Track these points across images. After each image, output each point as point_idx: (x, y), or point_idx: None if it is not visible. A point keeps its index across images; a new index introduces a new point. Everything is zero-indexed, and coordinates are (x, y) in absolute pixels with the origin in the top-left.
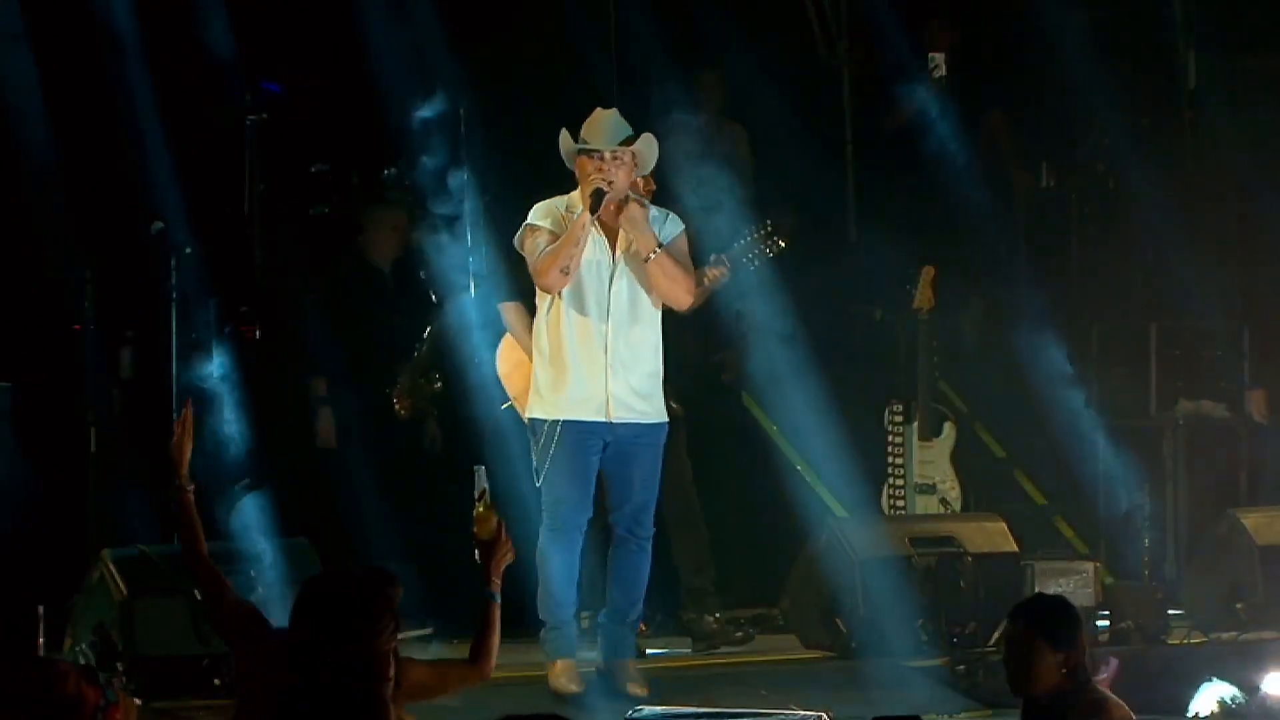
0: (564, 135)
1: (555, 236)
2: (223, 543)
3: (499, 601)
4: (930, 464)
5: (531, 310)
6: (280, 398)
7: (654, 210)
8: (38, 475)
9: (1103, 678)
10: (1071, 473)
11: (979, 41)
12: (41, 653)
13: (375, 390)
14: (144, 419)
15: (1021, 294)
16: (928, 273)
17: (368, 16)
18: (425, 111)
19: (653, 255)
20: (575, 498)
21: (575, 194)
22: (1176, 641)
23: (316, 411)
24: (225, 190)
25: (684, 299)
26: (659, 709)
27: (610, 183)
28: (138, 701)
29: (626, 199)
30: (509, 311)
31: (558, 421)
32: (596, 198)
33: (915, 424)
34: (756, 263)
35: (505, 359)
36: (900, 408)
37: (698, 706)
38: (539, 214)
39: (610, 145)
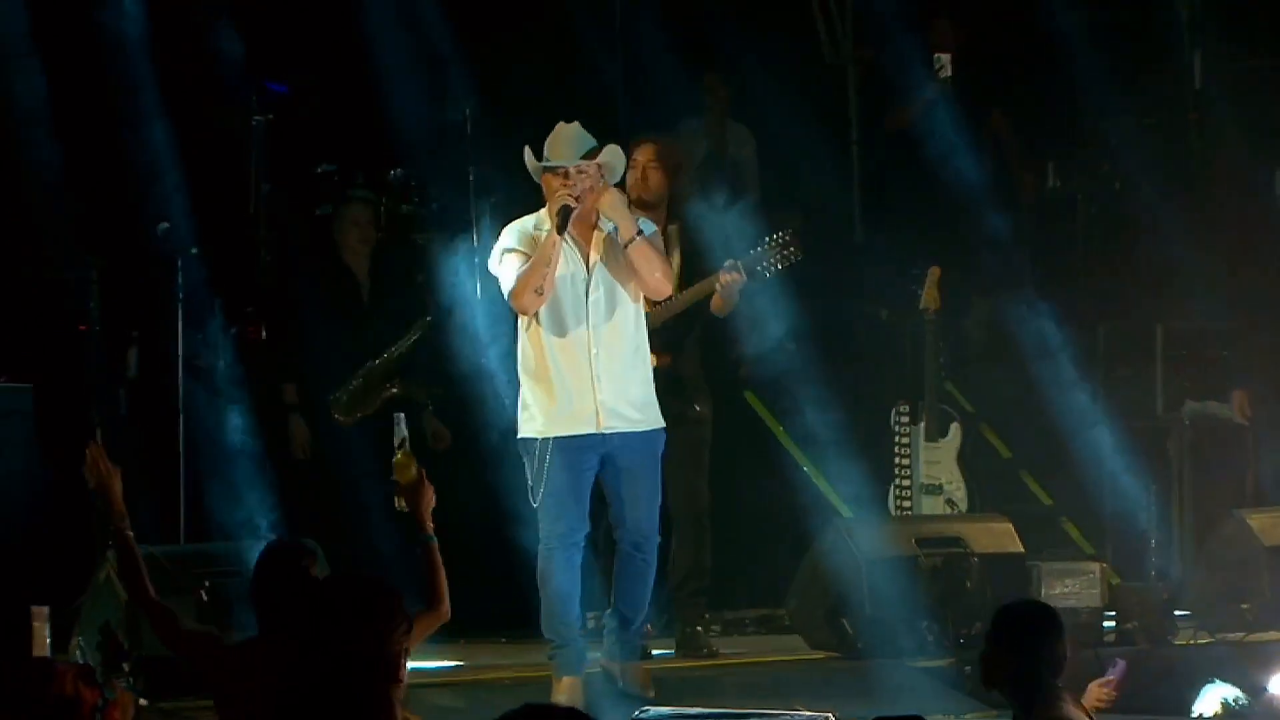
0: (527, 153)
1: (527, 257)
2: (227, 544)
3: (436, 542)
4: (936, 464)
5: None
6: (285, 398)
7: None
8: (44, 475)
9: (1110, 679)
10: (1078, 474)
11: (984, 42)
12: (47, 654)
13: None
14: (150, 419)
15: (1028, 295)
16: (934, 274)
17: (374, 17)
18: (431, 113)
19: (634, 240)
20: (572, 516)
21: (544, 211)
22: (1182, 642)
23: (289, 420)
24: (231, 191)
25: (665, 287)
26: (666, 709)
27: (577, 197)
28: (143, 702)
29: (604, 189)
30: None
31: (549, 439)
32: (564, 215)
33: (922, 424)
34: (772, 271)
35: None
36: (906, 408)
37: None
38: (509, 236)
39: (573, 160)
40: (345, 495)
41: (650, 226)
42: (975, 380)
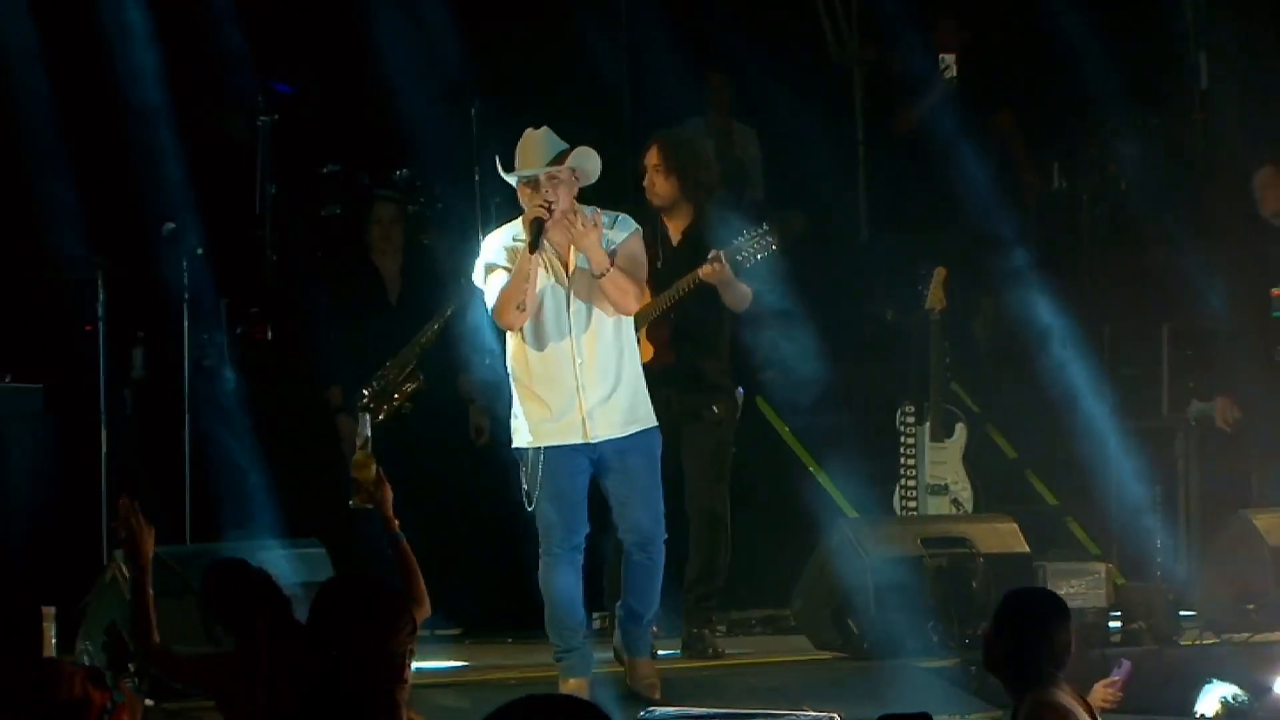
0: (498, 163)
1: (508, 271)
2: (233, 545)
3: (404, 539)
4: (942, 465)
5: None
6: (291, 399)
7: (604, 216)
8: (50, 476)
9: (1115, 679)
10: (1083, 474)
11: (991, 42)
12: (53, 654)
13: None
14: (155, 420)
15: (1033, 295)
16: (940, 274)
17: (379, 17)
18: (437, 113)
19: (605, 273)
20: (568, 521)
21: (520, 220)
22: (1188, 643)
23: (336, 420)
24: (236, 191)
25: (631, 307)
26: (672, 710)
27: (549, 206)
28: (149, 702)
29: (576, 216)
30: None
31: (540, 449)
32: (536, 228)
33: (927, 425)
34: (752, 262)
35: None
36: (912, 408)
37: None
38: (489, 250)
39: (541, 166)
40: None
41: (629, 226)
42: (981, 381)
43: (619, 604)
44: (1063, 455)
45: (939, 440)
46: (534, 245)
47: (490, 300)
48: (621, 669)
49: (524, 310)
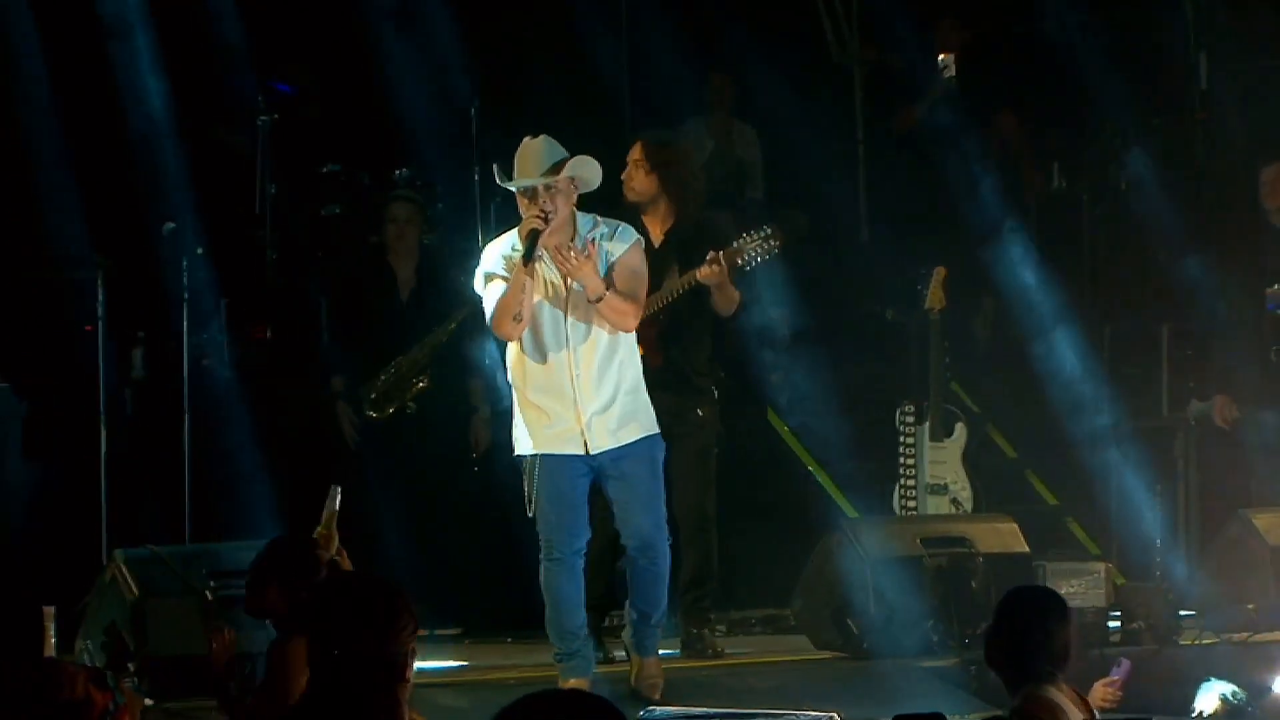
0: (496, 171)
1: (506, 280)
2: (234, 544)
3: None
4: (942, 464)
5: None
6: (291, 399)
7: (604, 226)
8: (49, 476)
9: (1115, 679)
10: (1083, 473)
11: (990, 42)
12: (53, 654)
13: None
14: (156, 420)
15: (1033, 295)
16: (939, 273)
17: (379, 17)
18: (437, 112)
19: (601, 299)
20: (568, 526)
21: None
22: (1188, 642)
23: (335, 407)
24: (237, 191)
25: (630, 326)
26: (672, 709)
27: (545, 217)
28: (148, 702)
29: (569, 251)
30: None
31: (539, 456)
32: (531, 241)
33: (927, 424)
34: (753, 264)
35: None
36: (912, 408)
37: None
38: (487, 259)
39: (537, 176)
40: (350, 494)
41: (630, 237)
42: (980, 380)
43: (628, 604)
44: (1063, 455)
45: (939, 440)
46: (528, 257)
47: (488, 310)
48: (626, 668)
49: (521, 321)
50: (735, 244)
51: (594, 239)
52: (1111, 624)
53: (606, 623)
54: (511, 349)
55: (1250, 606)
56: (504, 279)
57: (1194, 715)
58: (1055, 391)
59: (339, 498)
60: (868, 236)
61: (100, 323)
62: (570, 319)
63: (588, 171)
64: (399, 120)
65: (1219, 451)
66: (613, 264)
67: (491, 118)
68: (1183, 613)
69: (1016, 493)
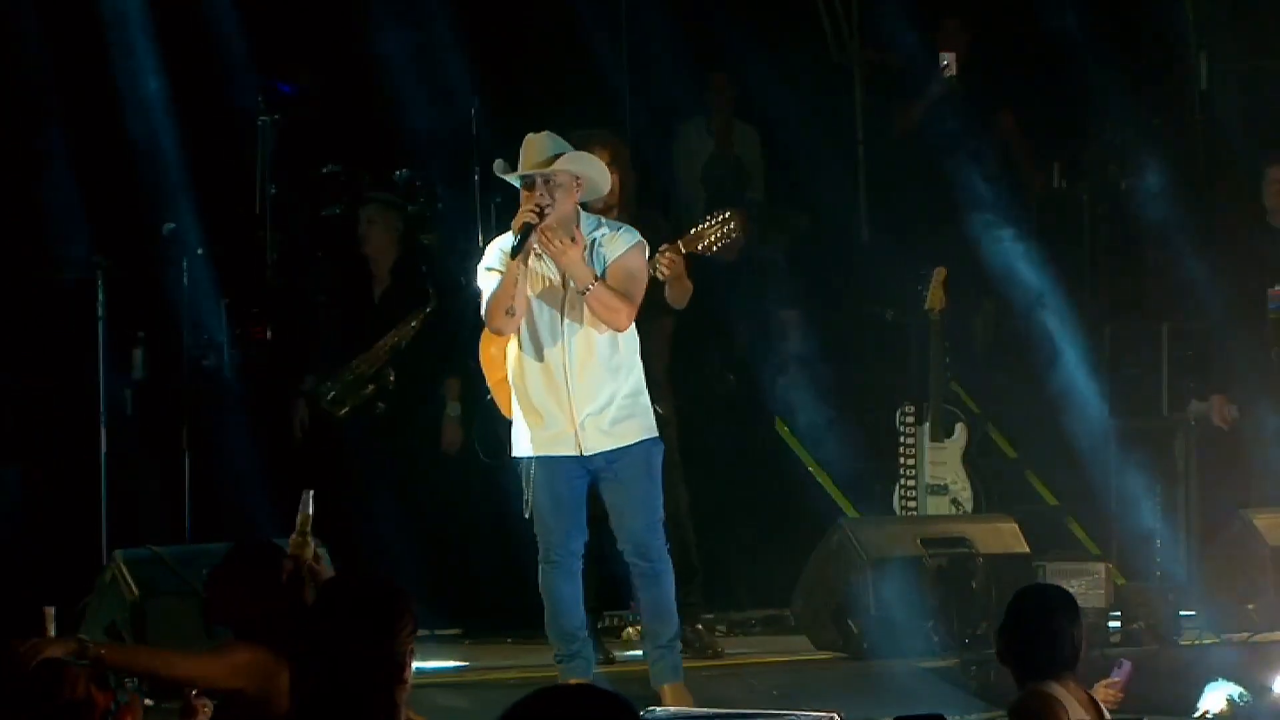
0: (496, 165)
1: (502, 274)
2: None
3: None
4: (942, 465)
5: None
6: (291, 399)
7: (606, 227)
8: (49, 476)
9: (1116, 679)
10: (1083, 474)
11: (991, 42)
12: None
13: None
14: (155, 420)
15: (1033, 295)
16: (939, 274)
17: (379, 17)
18: (437, 113)
19: (588, 289)
20: (564, 528)
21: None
22: (1188, 643)
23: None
24: (237, 192)
25: (622, 324)
26: (672, 709)
27: (539, 210)
28: (148, 702)
29: (554, 233)
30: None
31: (533, 459)
32: (524, 234)
33: (927, 425)
34: (714, 250)
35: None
36: (912, 408)
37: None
38: (488, 255)
39: (531, 168)
40: (350, 494)
41: (632, 238)
42: (980, 380)
43: (643, 633)
44: (1063, 455)
45: (939, 440)
46: (516, 250)
47: (483, 304)
48: (626, 668)
49: (513, 315)
50: (693, 231)
51: (595, 239)
52: (1111, 624)
53: (603, 624)
54: (512, 348)
55: (1250, 606)
56: (499, 273)
57: (1199, 714)
58: (1055, 391)
59: (312, 503)
60: (868, 236)
61: (100, 323)
62: (567, 317)
63: (588, 168)
64: (399, 120)
65: (1219, 451)
66: (611, 263)
67: (491, 118)
68: (1183, 613)
69: (1016, 493)
